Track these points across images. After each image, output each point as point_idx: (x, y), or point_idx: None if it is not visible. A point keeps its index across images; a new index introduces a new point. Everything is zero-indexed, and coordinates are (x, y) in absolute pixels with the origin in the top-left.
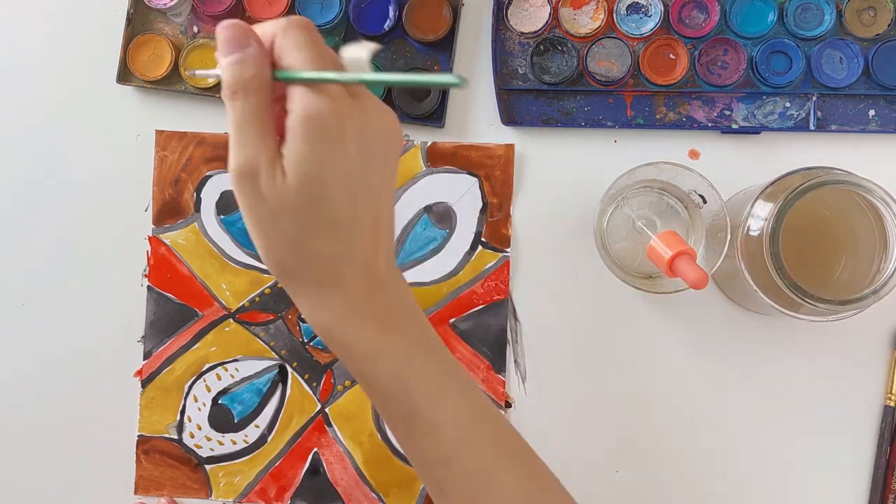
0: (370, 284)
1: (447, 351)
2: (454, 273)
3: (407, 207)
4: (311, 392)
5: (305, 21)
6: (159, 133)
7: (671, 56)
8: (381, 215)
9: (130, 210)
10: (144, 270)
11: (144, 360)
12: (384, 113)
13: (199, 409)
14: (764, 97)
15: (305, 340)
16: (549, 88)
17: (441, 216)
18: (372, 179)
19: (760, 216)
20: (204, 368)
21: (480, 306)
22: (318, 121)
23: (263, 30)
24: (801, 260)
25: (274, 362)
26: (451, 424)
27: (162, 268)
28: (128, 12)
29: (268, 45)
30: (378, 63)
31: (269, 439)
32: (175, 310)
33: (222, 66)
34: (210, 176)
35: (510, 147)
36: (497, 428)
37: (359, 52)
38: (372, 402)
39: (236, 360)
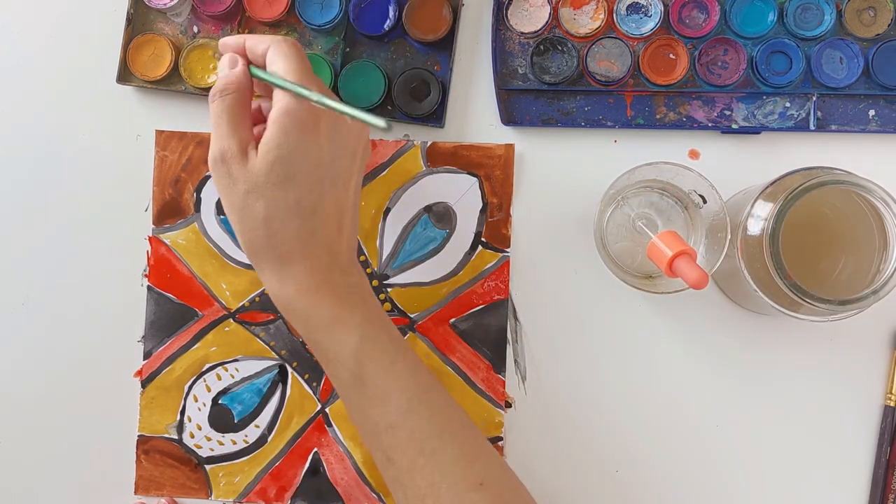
0: (330, 264)
1: (399, 336)
2: (454, 273)
3: (407, 207)
4: (311, 392)
5: (294, 41)
6: (159, 133)
7: (671, 56)
8: (345, 204)
9: (130, 210)
10: (144, 270)
11: (144, 360)
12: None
13: (199, 409)
14: (764, 97)
15: None
16: (549, 88)
17: (441, 216)
18: (339, 171)
19: (760, 216)
20: (204, 368)
21: (480, 306)
22: (295, 113)
23: (257, 40)
24: (801, 260)
25: (274, 362)
26: (398, 394)
27: (162, 268)
28: (128, 12)
29: (260, 52)
30: (379, 63)
31: (270, 439)
32: (175, 310)
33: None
34: (210, 176)
35: (510, 147)
36: (442, 402)
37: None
38: (326, 371)
39: (236, 360)
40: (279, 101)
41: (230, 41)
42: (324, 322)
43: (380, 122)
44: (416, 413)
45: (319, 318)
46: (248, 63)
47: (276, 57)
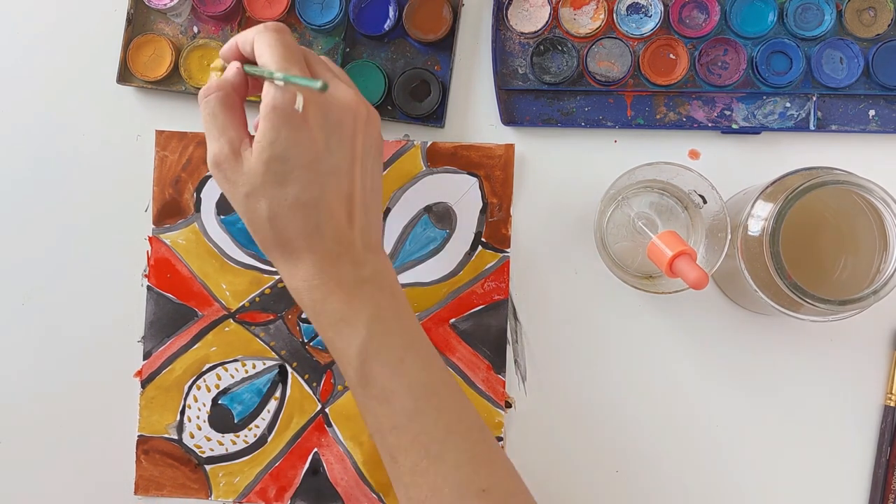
0: (339, 256)
1: (417, 327)
2: (454, 273)
3: (407, 207)
4: (311, 392)
5: (279, 25)
6: (159, 133)
7: (671, 56)
8: (351, 192)
9: (130, 210)
10: (144, 270)
11: (144, 360)
12: (347, 96)
13: (199, 410)
14: (764, 97)
15: (305, 340)
16: (549, 88)
17: (441, 216)
18: (340, 161)
19: (760, 216)
20: (204, 368)
21: (480, 306)
22: (281, 108)
23: (244, 36)
24: (801, 260)
25: (274, 362)
26: (404, 394)
27: (162, 268)
28: (128, 12)
29: (249, 50)
30: (379, 63)
31: (269, 439)
32: (175, 310)
33: None
34: (210, 176)
35: (510, 147)
36: (451, 402)
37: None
38: (338, 366)
39: (236, 360)
40: (266, 95)
41: (225, 50)
42: (331, 319)
43: (316, 83)
44: (422, 414)
45: (327, 314)
46: (244, 61)
47: (261, 49)
